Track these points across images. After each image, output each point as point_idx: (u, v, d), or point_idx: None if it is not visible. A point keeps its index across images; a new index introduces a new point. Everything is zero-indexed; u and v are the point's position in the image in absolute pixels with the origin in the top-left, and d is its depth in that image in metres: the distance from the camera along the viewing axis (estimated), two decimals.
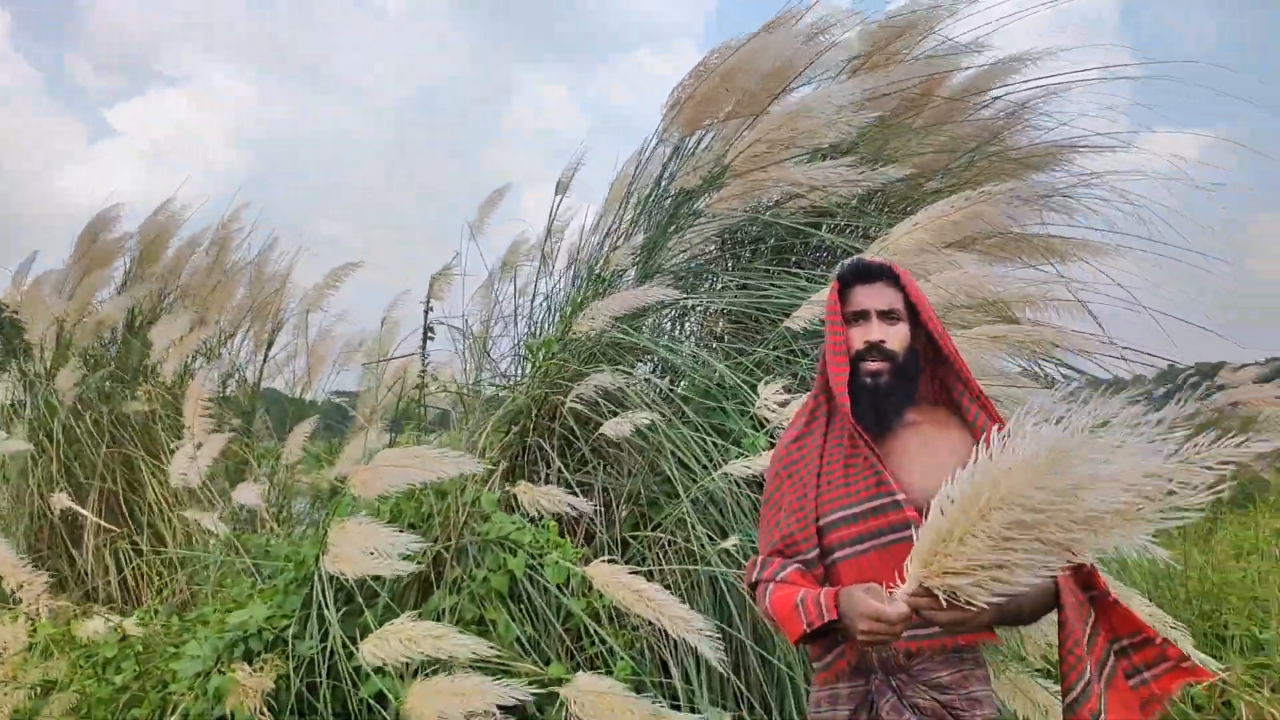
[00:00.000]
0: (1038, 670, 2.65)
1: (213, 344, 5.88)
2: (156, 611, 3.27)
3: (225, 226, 6.10)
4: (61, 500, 4.20)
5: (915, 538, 1.36)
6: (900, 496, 1.59)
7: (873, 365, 1.67)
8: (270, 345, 6.03)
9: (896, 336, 1.69)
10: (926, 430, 1.68)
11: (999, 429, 1.25)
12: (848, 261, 1.78)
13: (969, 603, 1.28)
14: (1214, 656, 3.72)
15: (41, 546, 4.83)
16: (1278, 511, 5.45)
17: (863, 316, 1.70)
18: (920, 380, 1.74)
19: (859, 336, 1.69)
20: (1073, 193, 3.77)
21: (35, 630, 3.00)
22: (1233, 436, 1.17)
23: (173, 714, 2.52)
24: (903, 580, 1.37)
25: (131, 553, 4.52)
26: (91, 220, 5.69)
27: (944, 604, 1.31)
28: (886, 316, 1.69)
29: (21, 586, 3.07)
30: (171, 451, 4.47)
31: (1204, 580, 4.16)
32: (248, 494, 3.41)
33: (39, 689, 2.85)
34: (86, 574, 4.59)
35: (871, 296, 1.70)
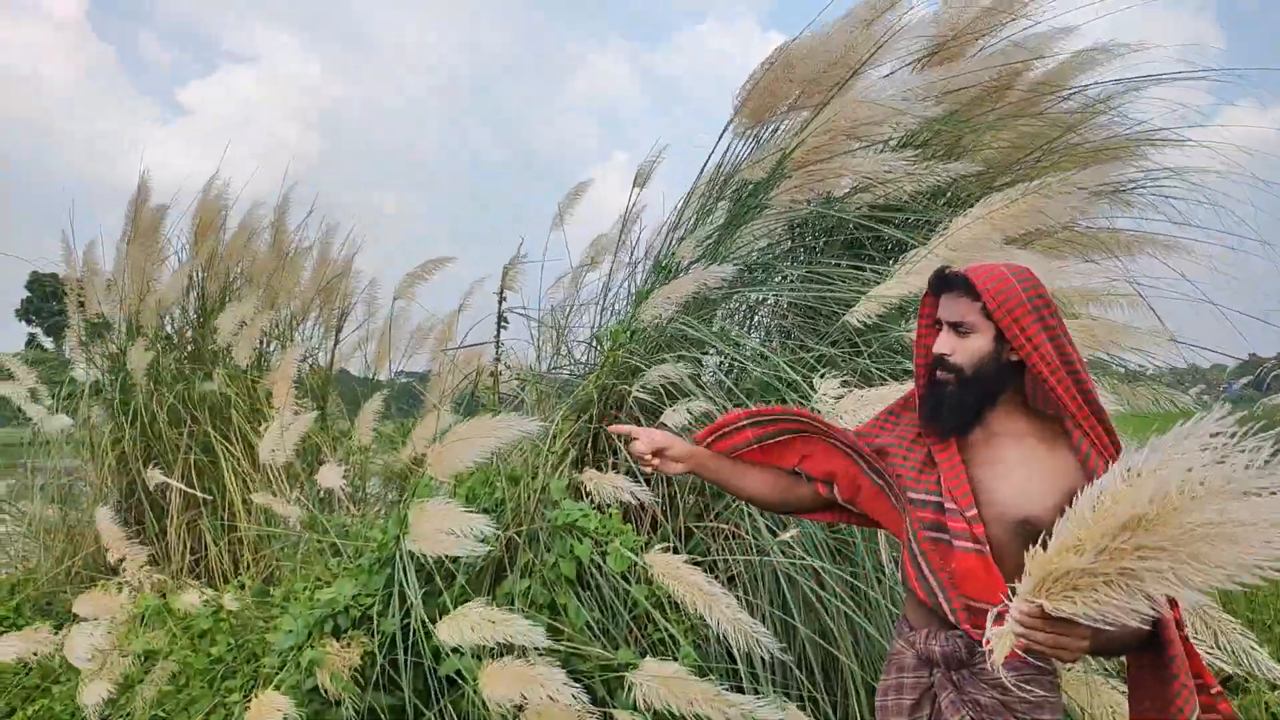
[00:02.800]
0: (1108, 672, 2.66)
1: (283, 328, 6.08)
2: (244, 586, 3.47)
3: (281, 208, 6.12)
4: (155, 476, 4.43)
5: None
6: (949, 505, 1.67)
7: (942, 375, 1.69)
8: (340, 330, 6.22)
9: (964, 350, 1.67)
10: (1029, 444, 1.68)
11: (1115, 457, 1.28)
12: (936, 270, 1.78)
13: (1071, 622, 1.29)
14: None
15: (129, 522, 5.07)
16: None
17: (939, 326, 1.72)
18: (1035, 389, 1.73)
19: (935, 347, 1.72)
20: (1143, 186, 3.72)
21: (137, 602, 3.21)
22: None
23: (266, 686, 2.69)
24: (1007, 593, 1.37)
25: (218, 530, 4.72)
26: (133, 195, 5.64)
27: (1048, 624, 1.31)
28: (956, 329, 1.68)
29: (125, 559, 3.28)
30: (245, 435, 4.66)
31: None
32: (331, 476, 3.57)
33: (142, 658, 3.06)
34: (169, 551, 4.79)
35: (946, 308, 1.71)
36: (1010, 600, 1.36)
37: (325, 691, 2.55)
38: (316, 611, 2.71)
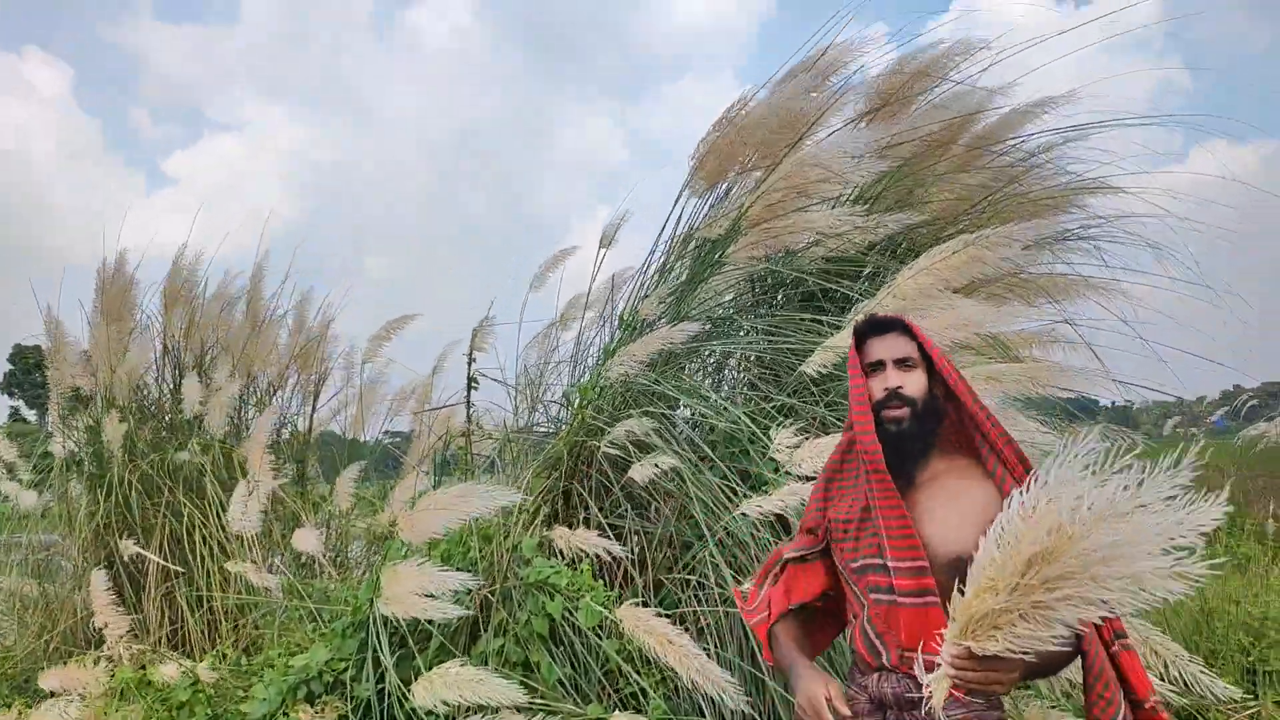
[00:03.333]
0: (1063, 708, 2.70)
1: (262, 394, 6.10)
2: (224, 656, 3.49)
3: (256, 276, 6.13)
4: (129, 547, 4.44)
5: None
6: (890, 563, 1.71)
7: (894, 412, 1.77)
8: (317, 395, 6.23)
9: (914, 383, 1.78)
10: (949, 484, 1.76)
11: (1026, 484, 1.35)
12: (861, 317, 1.88)
13: (1000, 658, 1.37)
14: (1249, 689, 3.75)
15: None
16: None
17: (879, 367, 1.81)
18: (945, 429, 1.81)
19: (878, 386, 1.79)
20: (1083, 232, 3.88)
21: (114, 675, 3.22)
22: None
23: None
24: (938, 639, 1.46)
25: (194, 600, 4.70)
26: (100, 267, 5.53)
27: (977, 664, 1.40)
28: (902, 364, 1.79)
29: (107, 626, 3.29)
30: (222, 504, 4.65)
31: (1242, 613, 4.17)
32: (308, 541, 3.60)
33: None
34: (147, 622, 4.73)
35: (885, 347, 1.80)
36: (940, 645, 1.45)
37: None
38: (290, 678, 2.75)
